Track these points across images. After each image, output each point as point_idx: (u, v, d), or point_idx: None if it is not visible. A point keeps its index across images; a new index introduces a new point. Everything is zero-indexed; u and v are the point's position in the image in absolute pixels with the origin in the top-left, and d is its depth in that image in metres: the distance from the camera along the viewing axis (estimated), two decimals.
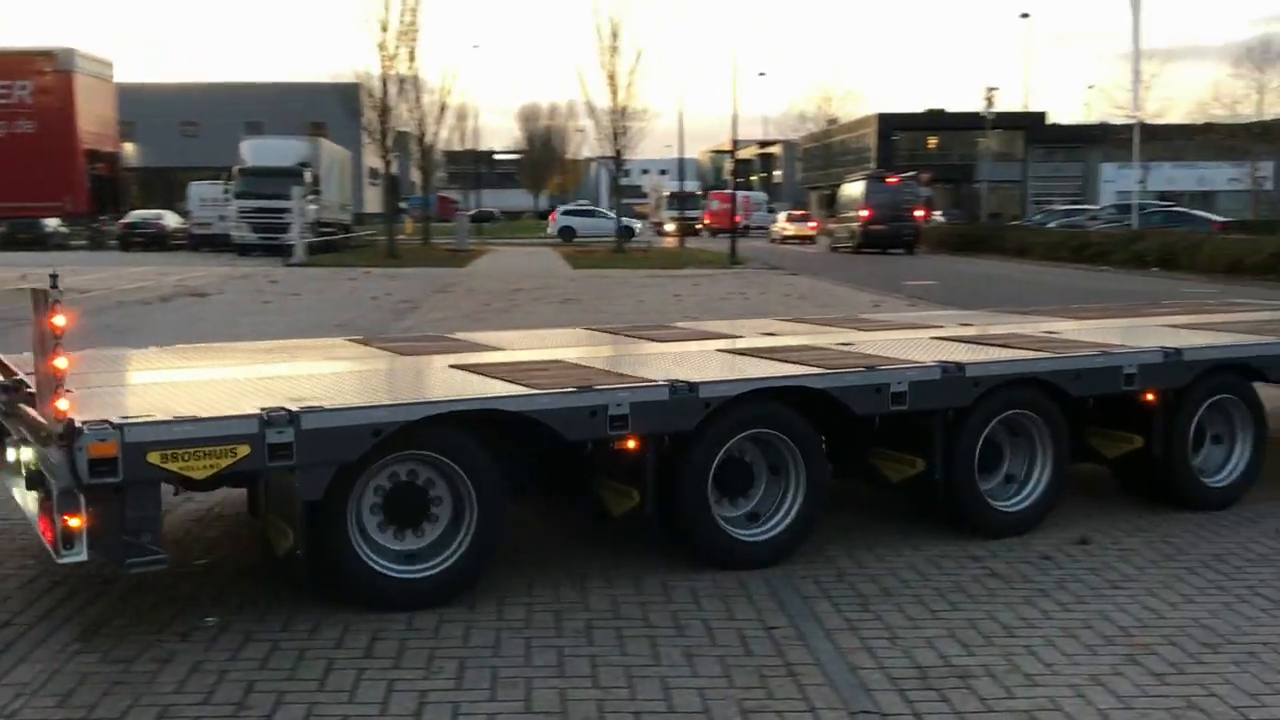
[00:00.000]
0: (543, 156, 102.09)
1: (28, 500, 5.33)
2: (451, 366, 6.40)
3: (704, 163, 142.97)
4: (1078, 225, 47.45)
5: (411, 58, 41.61)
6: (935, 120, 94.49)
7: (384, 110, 41.21)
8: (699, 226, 70.15)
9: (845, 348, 7.06)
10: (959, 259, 42.43)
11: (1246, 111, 62.24)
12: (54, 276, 4.67)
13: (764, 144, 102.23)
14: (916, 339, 7.59)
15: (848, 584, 5.69)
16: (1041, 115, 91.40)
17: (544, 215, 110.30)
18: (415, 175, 59.48)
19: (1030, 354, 6.76)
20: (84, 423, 4.52)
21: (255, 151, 45.62)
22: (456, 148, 72.73)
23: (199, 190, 48.94)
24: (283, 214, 38.98)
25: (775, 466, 6.03)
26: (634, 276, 30.99)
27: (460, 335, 8.41)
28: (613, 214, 60.70)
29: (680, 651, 4.82)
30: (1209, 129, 63.84)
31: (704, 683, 4.52)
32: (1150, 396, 6.82)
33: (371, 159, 55.48)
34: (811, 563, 5.97)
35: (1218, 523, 6.77)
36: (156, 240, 48.85)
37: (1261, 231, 37.37)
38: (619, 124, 43.70)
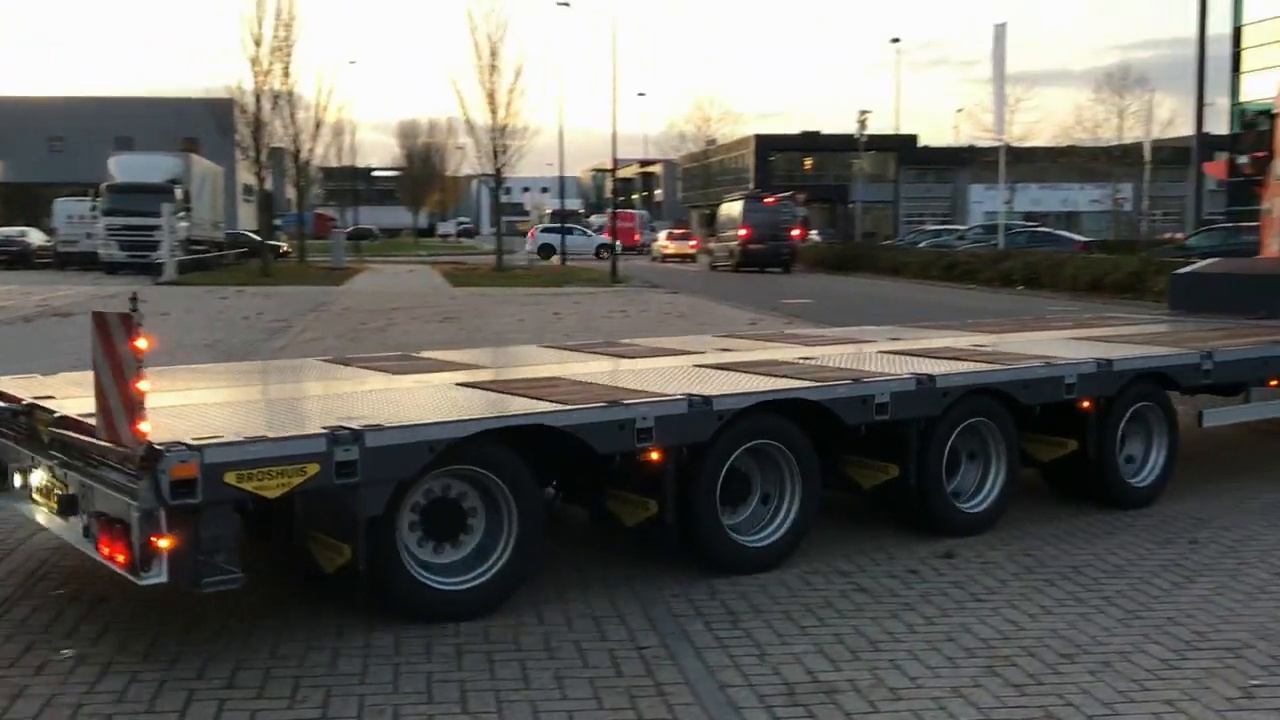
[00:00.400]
0: (422, 173, 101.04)
1: (55, 523, 5.36)
2: (459, 385, 6.54)
3: (585, 181, 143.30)
4: (946, 245, 48.66)
5: (286, 73, 41.04)
6: (811, 142, 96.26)
7: (257, 126, 40.48)
8: None
9: (810, 362, 7.44)
10: (834, 278, 43.20)
11: (1107, 135, 64.59)
12: (134, 299, 4.67)
13: (645, 163, 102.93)
14: (866, 353, 8.04)
15: (720, 601, 5.73)
16: (913, 138, 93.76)
17: (424, 233, 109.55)
18: (291, 192, 58.52)
19: (985, 366, 7.24)
20: (164, 444, 4.53)
21: (124, 167, 44.41)
22: (333, 164, 71.73)
23: (65, 207, 47.46)
24: (152, 232, 38.00)
25: (770, 475, 6.30)
26: (514, 295, 30.89)
27: (428, 354, 8.43)
28: (591, 231, 61.44)
29: (550, 674, 4.81)
30: (1072, 152, 66.09)
31: (573, 705, 4.52)
32: (1086, 404, 7.36)
33: (246, 175, 54.41)
34: (685, 580, 6.00)
35: (1077, 535, 6.98)
36: (20, 258, 47.18)
37: (1121, 251, 38.75)
38: (499, 142, 43.55)
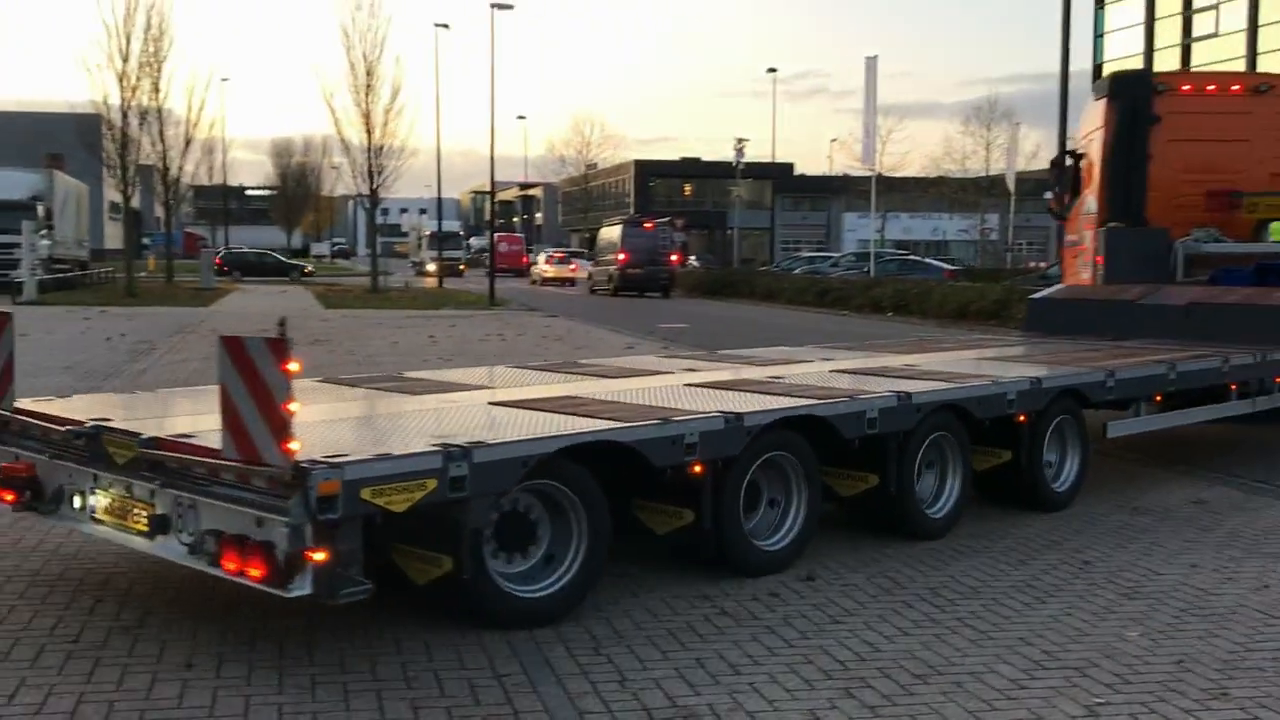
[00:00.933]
0: (296, 193, 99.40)
1: (136, 542, 5.48)
2: (493, 404, 6.91)
3: (465, 203, 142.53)
4: (820, 271, 49.48)
5: (155, 88, 40.02)
6: (691, 168, 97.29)
7: (124, 142, 39.37)
8: (463, 267, 69.76)
9: (778, 381, 8.05)
10: (711, 303, 43.61)
11: (975, 167, 66.52)
12: (283, 323, 4.91)
13: (524, 186, 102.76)
14: (820, 370, 8.86)
15: (583, 627, 5.70)
16: (789, 166, 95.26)
17: (298, 253, 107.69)
18: (160, 210, 56.96)
19: (944, 384, 7.88)
20: (311, 462, 4.71)
21: None
22: (205, 182, 70.08)
23: None
24: (12, 250, 36.64)
25: (776, 484, 6.82)
26: (389, 317, 30.54)
27: (413, 374, 8.68)
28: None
29: (407, 704, 4.73)
30: (941, 182, 67.86)
31: None
32: (1021, 417, 8.11)
33: (113, 193, 52.85)
34: None
35: (935, 557, 7.11)
36: None
37: (986, 279, 39.90)
38: (375, 162, 43.02)
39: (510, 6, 43.34)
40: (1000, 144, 65.26)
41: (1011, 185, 56.58)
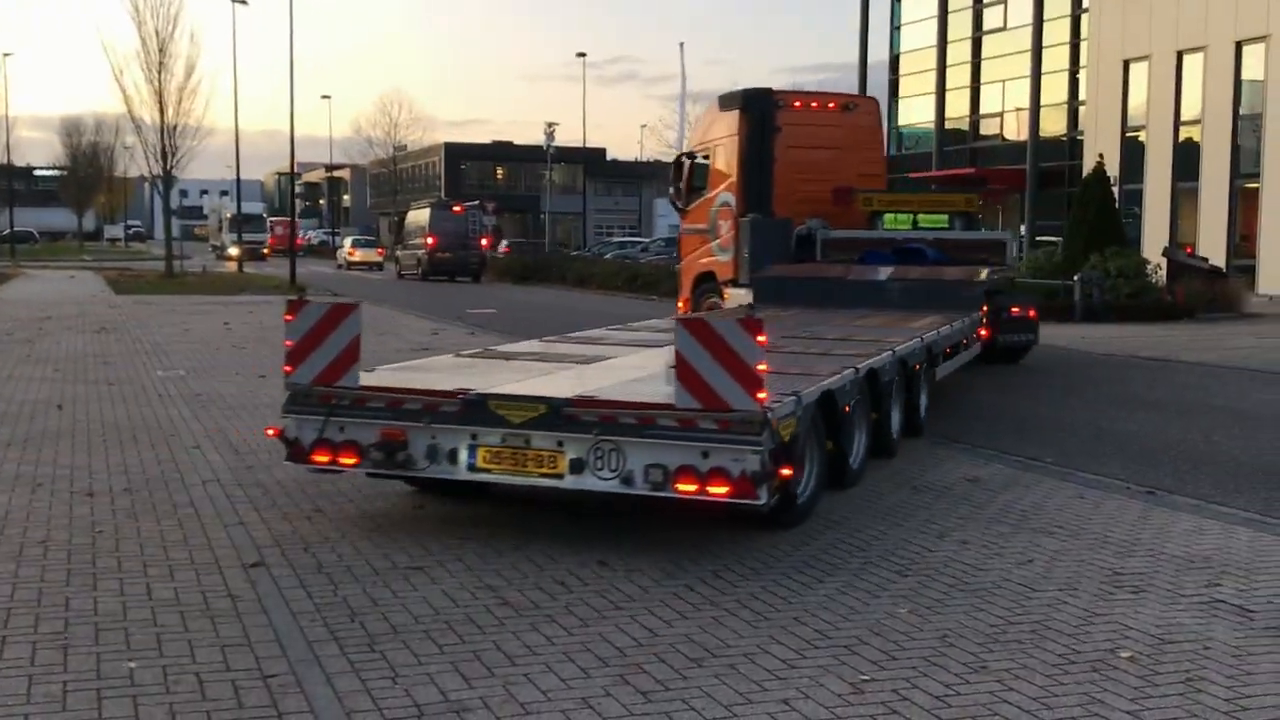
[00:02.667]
0: (88, 174, 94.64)
1: (540, 482, 6.74)
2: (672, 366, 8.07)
3: (269, 185, 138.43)
4: (631, 256, 49.77)
5: None
6: (503, 151, 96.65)
7: None
8: (266, 251, 67.81)
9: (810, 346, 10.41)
10: (522, 288, 43.40)
11: None
12: (751, 307, 5.88)
13: (331, 168, 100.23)
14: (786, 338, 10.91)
15: (358, 623, 5.57)
16: (602, 151, 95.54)
17: (91, 236, 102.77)
18: None
19: (900, 343, 10.26)
20: (770, 408, 6.33)
21: None
22: None
23: None
24: None
25: (848, 419, 8.53)
26: (183, 303, 29.41)
27: (503, 347, 10.38)
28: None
29: (164, 710, 4.52)
30: None
31: None
32: (917, 366, 10.68)
33: None
34: (324, 603, 5.82)
35: (718, 540, 7.14)
36: None
37: None
38: (169, 142, 41.24)
39: None
40: None
41: None
